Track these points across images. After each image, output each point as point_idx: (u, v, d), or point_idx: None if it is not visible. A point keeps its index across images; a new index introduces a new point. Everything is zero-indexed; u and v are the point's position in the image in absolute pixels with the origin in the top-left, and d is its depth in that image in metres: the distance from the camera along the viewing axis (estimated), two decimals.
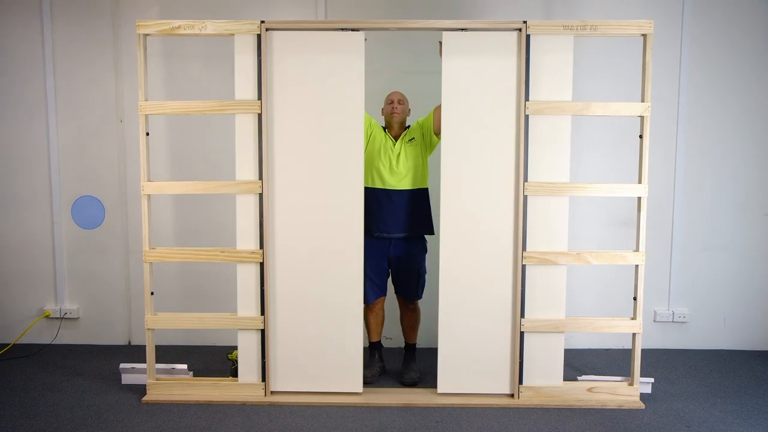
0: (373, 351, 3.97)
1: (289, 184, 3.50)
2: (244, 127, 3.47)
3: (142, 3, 4.36)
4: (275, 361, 3.58)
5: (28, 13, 4.36)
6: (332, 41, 3.45)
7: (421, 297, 3.89)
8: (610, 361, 4.25)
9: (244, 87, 3.45)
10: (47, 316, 4.52)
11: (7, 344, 4.44)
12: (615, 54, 4.30)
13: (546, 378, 3.54)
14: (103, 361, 4.19)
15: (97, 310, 4.54)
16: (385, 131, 3.84)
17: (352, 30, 3.44)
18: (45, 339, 4.53)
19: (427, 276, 3.87)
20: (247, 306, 3.53)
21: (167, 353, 4.09)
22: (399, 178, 3.75)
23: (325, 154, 3.49)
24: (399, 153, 3.76)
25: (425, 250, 3.88)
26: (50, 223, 4.47)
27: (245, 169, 3.48)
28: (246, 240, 3.51)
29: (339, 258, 3.52)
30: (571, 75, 3.43)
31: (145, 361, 3.68)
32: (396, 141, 3.79)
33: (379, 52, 4.31)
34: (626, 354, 4.30)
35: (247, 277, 3.52)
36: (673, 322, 4.46)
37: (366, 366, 3.81)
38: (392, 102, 3.81)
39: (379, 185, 3.76)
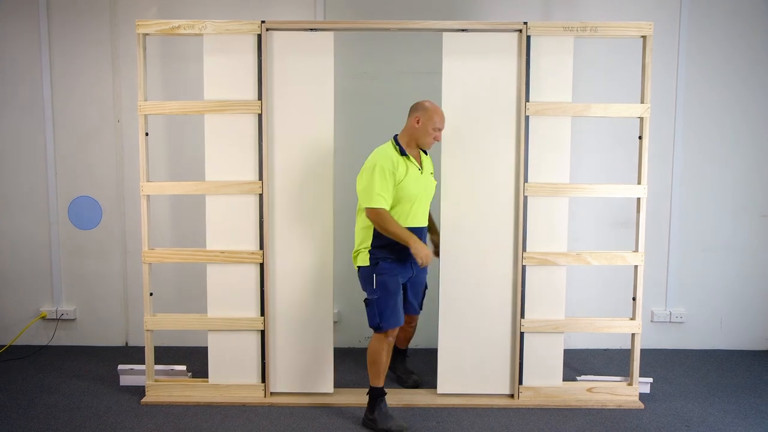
0: (382, 397, 3.29)
1: (290, 184, 3.50)
2: (239, 127, 3.46)
3: (141, 3, 4.34)
4: (275, 362, 3.57)
5: (25, 12, 4.33)
6: (330, 41, 3.45)
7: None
8: (608, 361, 4.26)
9: (232, 87, 3.45)
10: (44, 318, 4.48)
11: (3, 346, 4.41)
12: (612, 54, 4.31)
13: (545, 378, 3.55)
14: (100, 362, 4.17)
15: (94, 311, 4.51)
16: (404, 156, 3.28)
17: (352, 30, 3.44)
18: (41, 340, 4.50)
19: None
20: (246, 307, 3.53)
21: (164, 354, 4.07)
22: (426, 210, 3.43)
23: (329, 155, 3.48)
24: (428, 180, 3.41)
25: None
26: (47, 223, 4.44)
27: (245, 169, 3.47)
28: (246, 241, 3.50)
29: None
30: (571, 76, 3.44)
31: (142, 363, 3.67)
32: (421, 167, 3.37)
33: (376, 53, 4.31)
34: (624, 354, 4.31)
35: (246, 278, 3.51)
36: (670, 322, 4.48)
37: (387, 416, 3.23)
38: (438, 131, 3.31)
39: (415, 224, 3.35)
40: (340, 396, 3.57)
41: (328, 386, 3.58)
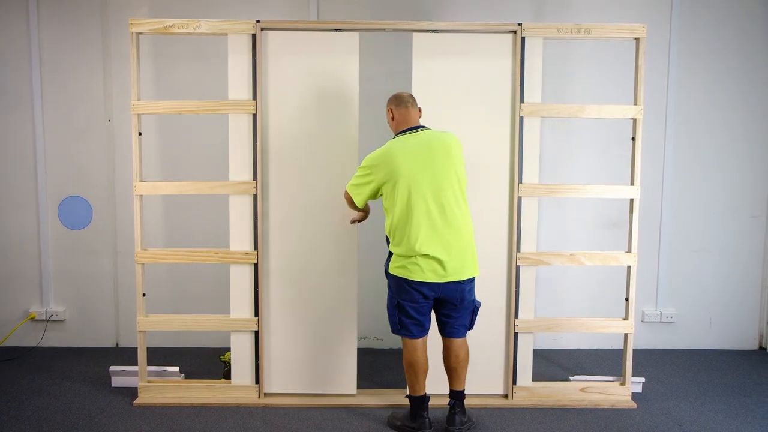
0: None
1: (283, 184, 3.49)
2: (237, 126, 3.45)
3: (132, 2, 4.30)
4: (269, 363, 3.55)
5: (14, 10, 4.29)
6: (327, 42, 3.44)
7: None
8: (600, 361, 4.29)
9: (239, 87, 3.43)
10: (32, 319, 4.44)
11: None
12: (603, 56, 4.33)
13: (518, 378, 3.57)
14: (91, 363, 4.13)
15: (84, 312, 4.47)
16: None
17: (348, 30, 3.43)
18: (30, 342, 4.45)
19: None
20: (240, 307, 3.51)
21: (156, 355, 4.02)
22: None
23: (321, 155, 3.48)
24: None
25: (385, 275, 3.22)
26: (36, 223, 4.39)
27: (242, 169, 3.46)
28: (240, 241, 3.49)
29: (335, 260, 3.51)
30: (540, 77, 3.44)
31: (134, 364, 3.65)
32: None
33: (368, 53, 4.31)
34: (614, 354, 4.35)
35: (241, 278, 3.49)
36: (660, 322, 4.52)
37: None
38: None
39: None
40: (338, 398, 3.56)
41: (325, 387, 3.57)
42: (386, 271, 3.18)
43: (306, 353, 3.55)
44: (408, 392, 3.24)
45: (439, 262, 2.98)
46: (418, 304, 3.07)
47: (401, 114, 3.16)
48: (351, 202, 3.26)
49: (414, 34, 3.43)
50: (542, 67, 3.43)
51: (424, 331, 3.15)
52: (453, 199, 3.02)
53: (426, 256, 2.98)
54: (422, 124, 3.19)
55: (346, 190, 3.24)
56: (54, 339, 4.47)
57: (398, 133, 3.15)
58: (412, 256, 3.00)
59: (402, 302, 3.08)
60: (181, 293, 4.42)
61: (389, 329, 3.37)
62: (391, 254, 3.14)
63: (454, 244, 3.00)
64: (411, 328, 3.12)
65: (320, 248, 3.51)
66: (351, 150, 3.48)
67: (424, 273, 2.99)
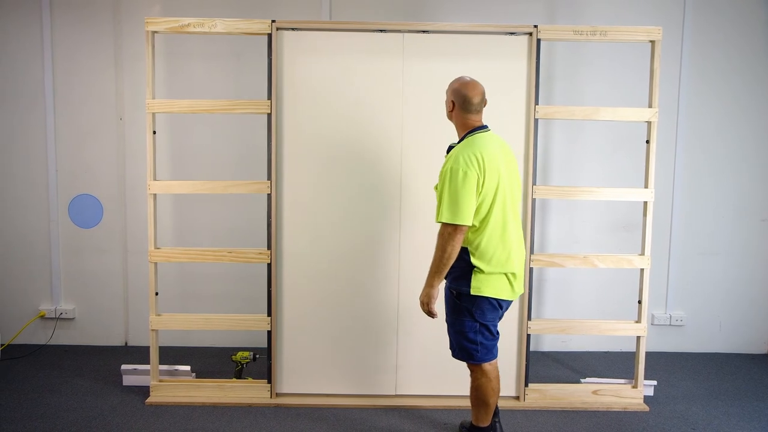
0: None
1: (299, 184, 3.48)
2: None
3: (144, 1, 4.29)
4: (281, 363, 3.55)
5: (27, 8, 4.28)
6: (345, 42, 3.44)
7: (457, 357, 2.90)
8: (609, 364, 4.28)
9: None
10: (42, 317, 4.43)
11: (1, 345, 4.34)
12: (613, 60, 4.32)
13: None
14: (101, 362, 4.13)
15: (94, 311, 4.46)
16: None
17: (365, 31, 3.43)
18: (40, 339, 4.44)
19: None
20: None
21: (165, 354, 4.00)
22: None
23: (339, 156, 3.47)
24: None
25: (452, 295, 2.83)
26: (47, 221, 4.39)
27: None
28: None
29: (347, 260, 3.51)
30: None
31: (143, 362, 3.64)
32: None
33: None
34: (623, 356, 4.35)
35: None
36: (670, 325, 4.51)
37: None
38: None
39: None
40: (350, 398, 3.56)
41: (335, 387, 3.56)
42: (463, 294, 2.76)
43: (319, 353, 3.55)
44: (473, 421, 2.95)
45: (518, 279, 2.82)
46: (497, 320, 2.87)
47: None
48: (451, 235, 2.64)
49: (452, 35, 3.43)
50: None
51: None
52: (518, 211, 2.88)
53: (514, 274, 2.77)
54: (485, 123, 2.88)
55: (443, 224, 2.65)
56: (63, 337, 4.46)
57: (471, 132, 2.78)
58: (503, 273, 2.74)
59: (487, 323, 2.78)
60: (189, 292, 4.40)
61: None
62: (466, 273, 2.75)
63: (523, 258, 2.87)
64: (493, 349, 2.85)
65: (332, 249, 3.50)
66: (371, 147, 3.47)
67: (513, 291, 2.80)
